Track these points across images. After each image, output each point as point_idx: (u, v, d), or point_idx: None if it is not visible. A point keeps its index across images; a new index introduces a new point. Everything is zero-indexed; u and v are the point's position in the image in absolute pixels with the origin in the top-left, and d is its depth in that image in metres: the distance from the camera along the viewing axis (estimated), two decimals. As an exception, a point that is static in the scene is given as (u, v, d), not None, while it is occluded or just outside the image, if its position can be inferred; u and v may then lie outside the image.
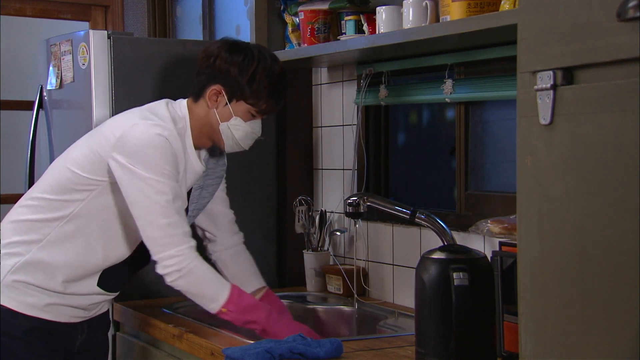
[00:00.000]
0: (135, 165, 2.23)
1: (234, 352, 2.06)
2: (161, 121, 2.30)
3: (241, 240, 2.67)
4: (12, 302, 2.34)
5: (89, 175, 2.31)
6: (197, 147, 2.41)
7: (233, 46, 2.37)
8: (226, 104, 2.36)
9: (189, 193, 2.44)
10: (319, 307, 2.90)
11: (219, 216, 2.62)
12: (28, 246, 2.34)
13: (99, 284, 2.40)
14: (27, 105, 3.47)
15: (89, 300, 2.42)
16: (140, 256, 2.40)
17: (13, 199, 3.99)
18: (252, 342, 2.18)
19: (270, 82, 2.35)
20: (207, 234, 2.63)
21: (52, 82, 3.12)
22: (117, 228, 2.35)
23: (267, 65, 2.35)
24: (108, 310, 2.57)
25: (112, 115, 2.80)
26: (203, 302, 2.31)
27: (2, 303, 2.33)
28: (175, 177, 2.27)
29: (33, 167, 3.29)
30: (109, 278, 2.41)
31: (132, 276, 2.50)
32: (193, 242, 2.28)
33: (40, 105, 3.26)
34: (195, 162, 2.40)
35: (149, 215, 2.25)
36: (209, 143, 2.43)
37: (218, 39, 2.46)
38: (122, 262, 2.40)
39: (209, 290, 2.29)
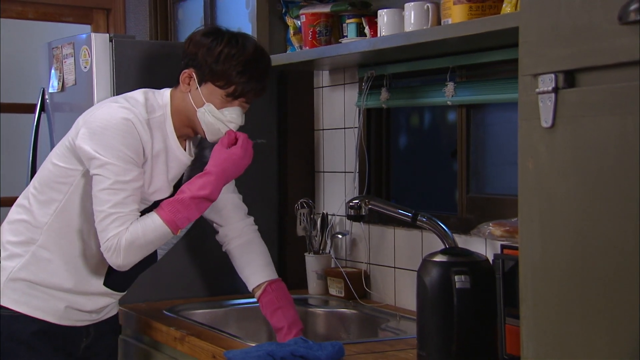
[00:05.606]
0: (96, 143, 2.21)
1: (235, 355, 2.06)
2: (130, 105, 2.27)
3: (250, 227, 2.57)
4: (16, 304, 2.33)
5: (65, 165, 2.31)
6: (182, 137, 2.37)
7: (208, 30, 2.36)
8: (197, 87, 2.32)
9: (177, 184, 2.39)
10: (321, 310, 2.90)
11: (220, 200, 2.43)
12: (26, 246, 2.34)
13: (106, 283, 2.40)
14: (29, 108, 3.47)
15: (95, 303, 2.41)
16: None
17: (14, 201, 4.02)
18: (253, 345, 2.18)
19: (238, 62, 2.28)
20: (214, 224, 2.57)
21: (54, 85, 3.12)
22: None
23: (237, 45, 2.30)
24: (117, 314, 2.56)
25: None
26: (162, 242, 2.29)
27: (5, 305, 2.33)
28: (133, 162, 2.22)
29: (35, 170, 3.29)
30: (115, 276, 2.40)
31: (138, 274, 2.47)
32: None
33: (42, 108, 3.26)
34: (179, 152, 2.34)
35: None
36: (191, 132, 2.38)
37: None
38: None
39: (156, 239, 2.25)
